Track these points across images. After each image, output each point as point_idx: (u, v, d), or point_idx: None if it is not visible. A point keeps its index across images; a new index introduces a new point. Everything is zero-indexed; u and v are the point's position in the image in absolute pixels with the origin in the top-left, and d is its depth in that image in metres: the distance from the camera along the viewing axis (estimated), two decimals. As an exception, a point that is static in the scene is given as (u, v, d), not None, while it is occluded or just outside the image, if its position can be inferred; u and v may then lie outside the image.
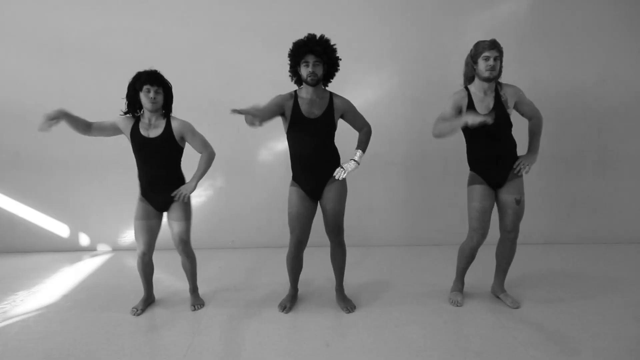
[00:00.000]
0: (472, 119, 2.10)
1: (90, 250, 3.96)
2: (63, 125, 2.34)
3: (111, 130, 2.42)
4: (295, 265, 2.56)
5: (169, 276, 3.13)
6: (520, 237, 2.57)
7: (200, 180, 2.52)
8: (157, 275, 2.76)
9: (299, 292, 2.78)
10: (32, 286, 3.06)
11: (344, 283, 2.68)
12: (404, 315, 2.53)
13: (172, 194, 2.43)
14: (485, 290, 2.84)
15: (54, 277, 3.27)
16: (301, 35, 2.33)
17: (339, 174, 2.41)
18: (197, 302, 2.66)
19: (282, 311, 2.56)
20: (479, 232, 2.48)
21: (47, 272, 3.38)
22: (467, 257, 2.60)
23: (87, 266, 3.54)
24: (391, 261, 3.54)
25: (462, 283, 2.74)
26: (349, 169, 2.41)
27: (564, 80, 3.76)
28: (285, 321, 2.50)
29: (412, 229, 3.99)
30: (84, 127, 2.35)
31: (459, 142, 2.60)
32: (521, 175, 2.49)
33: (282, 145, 3.75)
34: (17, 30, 3.57)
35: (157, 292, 2.81)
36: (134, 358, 2.13)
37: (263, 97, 2.55)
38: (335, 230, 2.49)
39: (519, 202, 2.47)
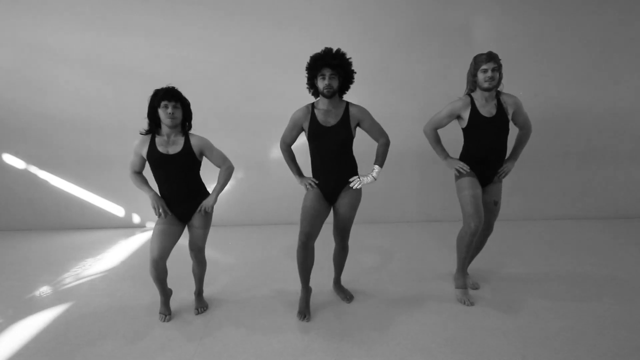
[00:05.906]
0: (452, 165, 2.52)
1: (141, 227, 4.56)
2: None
3: (142, 159, 2.33)
4: (305, 258, 2.36)
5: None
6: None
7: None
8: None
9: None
10: (97, 255, 3.61)
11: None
12: (402, 308, 2.51)
13: (198, 210, 2.38)
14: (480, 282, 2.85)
15: (114, 248, 3.81)
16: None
17: (354, 183, 2.36)
18: (200, 305, 2.57)
19: (303, 320, 2.40)
20: (476, 217, 2.41)
21: (108, 244, 3.94)
22: (467, 245, 2.51)
23: (138, 239, 4.08)
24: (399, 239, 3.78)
25: (465, 277, 2.62)
26: (365, 182, 2.35)
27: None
28: (287, 315, 2.47)
29: (423, 207, 4.42)
30: (144, 179, 2.38)
31: (460, 141, 2.66)
32: (500, 181, 2.57)
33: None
34: (82, 56, 4.13)
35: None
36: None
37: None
38: (343, 234, 2.52)
39: (497, 204, 2.56)
